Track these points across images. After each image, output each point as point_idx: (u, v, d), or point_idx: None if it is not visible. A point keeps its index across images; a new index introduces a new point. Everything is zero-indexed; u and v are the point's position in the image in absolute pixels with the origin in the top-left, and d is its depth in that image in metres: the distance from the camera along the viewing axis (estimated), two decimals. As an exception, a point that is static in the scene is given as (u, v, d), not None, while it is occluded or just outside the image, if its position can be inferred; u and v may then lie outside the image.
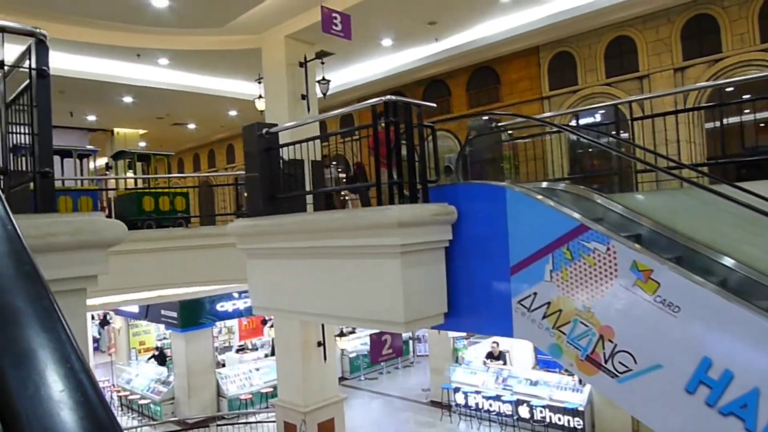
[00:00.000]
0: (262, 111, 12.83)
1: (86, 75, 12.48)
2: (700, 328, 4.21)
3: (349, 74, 15.31)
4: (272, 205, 6.79)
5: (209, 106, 16.75)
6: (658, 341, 4.41)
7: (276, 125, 6.96)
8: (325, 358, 11.10)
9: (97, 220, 3.15)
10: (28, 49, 3.36)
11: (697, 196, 5.71)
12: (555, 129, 7.03)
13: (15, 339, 0.70)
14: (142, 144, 21.06)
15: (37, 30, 3.31)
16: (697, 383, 4.12)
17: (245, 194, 14.33)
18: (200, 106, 16.73)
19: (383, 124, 5.45)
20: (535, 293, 5.21)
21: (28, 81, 3.40)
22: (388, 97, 5.46)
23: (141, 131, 20.06)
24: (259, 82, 13.16)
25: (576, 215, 4.94)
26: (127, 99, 15.41)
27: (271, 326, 15.35)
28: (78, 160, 11.46)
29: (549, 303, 5.12)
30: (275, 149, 6.82)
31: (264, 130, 6.77)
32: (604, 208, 6.05)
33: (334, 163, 9.60)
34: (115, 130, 19.39)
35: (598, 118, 13.89)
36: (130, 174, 12.30)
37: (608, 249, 4.70)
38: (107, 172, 17.64)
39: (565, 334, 5.01)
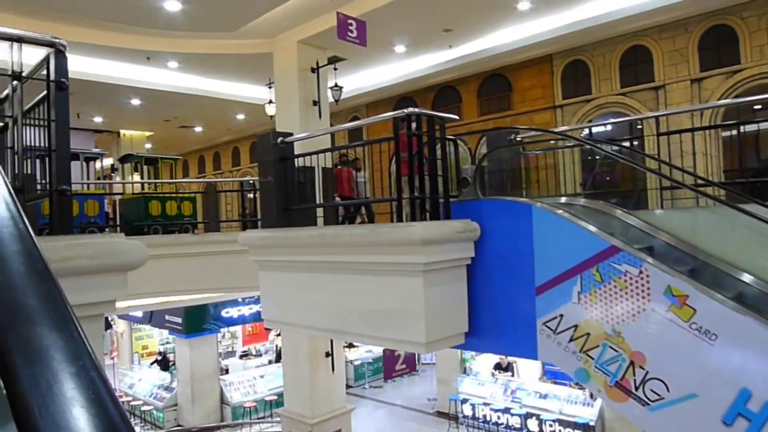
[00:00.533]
0: (272, 116, 12.68)
1: (95, 77, 12.34)
2: (739, 357, 4.03)
3: (358, 79, 15.15)
4: (286, 216, 6.63)
5: (217, 110, 16.61)
6: (693, 370, 4.23)
7: (291, 134, 6.80)
8: (333, 369, 10.92)
9: (118, 243, 2.98)
10: (47, 60, 3.20)
11: (723, 213, 5.55)
12: (576, 143, 6.87)
13: (27, 337, 0.70)
14: (148, 146, 20.93)
15: (57, 40, 3.15)
16: (735, 415, 3.94)
17: (250, 199, 14.22)
18: (208, 109, 16.59)
19: (405, 135, 5.29)
20: (561, 315, 5.04)
21: (44, 93, 3.25)
22: (411, 109, 5.31)
23: (147, 133, 19.92)
24: (270, 87, 13.02)
25: (607, 236, 4.76)
26: (135, 101, 15.27)
27: (278, 334, 15.16)
28: (85, 164, 11.31)
29: (576, 326, 4.94)
30: (290, 159, 6.65)
31: (279, 139, 6.60)
32: (627, 224, 5.88)
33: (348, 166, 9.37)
34: (122, 131, 19.26)
35: (608, 127, 13.75)
36: (136, 177, 12.17)
37: (641, 272, 4.52)
38: (113, 174, 17.50)
39: (593, 358, 4.83)
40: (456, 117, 5.76)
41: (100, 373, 0.68)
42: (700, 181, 6.49)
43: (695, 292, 4.20)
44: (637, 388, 4.52)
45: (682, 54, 11.89)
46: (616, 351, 4.67)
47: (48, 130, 3.09)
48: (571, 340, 4.97)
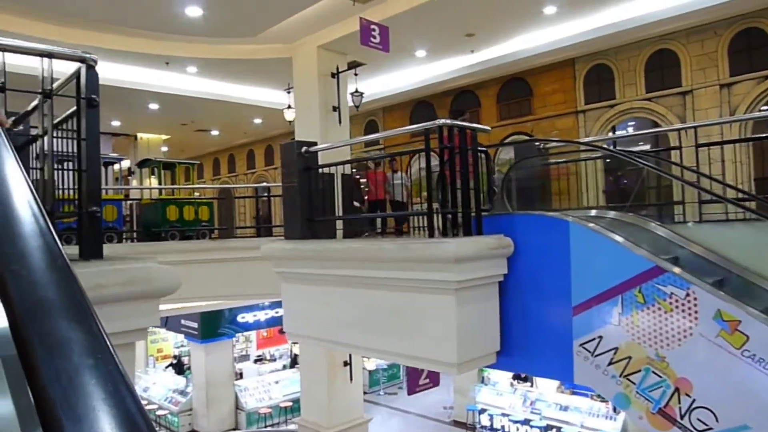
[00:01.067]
0: (290, 122, 12.55)
1: (114, 82, 12.27)
2: (797, 387, 3.81)
3: (376, 84, 14.99)
4: (310, 228, 6.48)
5: (234, 114, 16.53)
6: (746, 400, 4.01)
7: (315, 143, 6.64)
8: (351, 378, 10.75)
9: (151, 268, 2.83)
10: (77, 75, 3.07)
11: (763, 227, 5.31)
12: (607, 154, 6.65)
13: (48, 331, 0.70)
14: (164, 149, 20.91)
15: (88, 55, 3.01)
16: (791, 448, 3.73)
17: (264, 202, 14.10)
18: (225, 114, 16.51)
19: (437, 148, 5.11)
20: (600, 337, 4.83)
21: (73, 109, 3.11)
22: (443, 120, 5.12)
23: (164, 137, 19.91)
24: (288, 92, 12.89)
25: (651, 256, 4.55)
26: (153, 106, 15.22)
27: (295, 342, 15.03)
28: (103, 168, 11.26)
29: (616, 348, 4.73)
30: (314, 169, 6.49)
31: (303, 149, 6.44)
32: (663, 238, 5.66)
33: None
34: (139, 135, 19.25)
35: (630, 131, 13.47)
36: (154, 181, 12.10)
37: (688, 295, 4.30)
38: (129, 178, 17.48)
39: (634, 383, 4.63)
40: (488, 128, 5.57)
41: (119, 367, 0.68)
42: (741, 195, 6.24)
43: (748, 317, 3.98)
44: (682, 417, 4.31)
45: (711, 58, 11.60)
46: (660, 376, 4.47)
47: (78, 149, 2.95)
48: (610, 363, 4.77)
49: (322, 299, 6.12)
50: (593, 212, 7.11)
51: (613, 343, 4.74)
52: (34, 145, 3.94)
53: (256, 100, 15.39)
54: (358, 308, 5.70)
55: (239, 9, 9.56)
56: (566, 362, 5.04)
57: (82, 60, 2.97)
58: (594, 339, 4.86)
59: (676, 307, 4.36)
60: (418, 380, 9.21)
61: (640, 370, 4.58)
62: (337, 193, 6.83)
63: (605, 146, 6.89)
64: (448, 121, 5.10)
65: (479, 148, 5.43)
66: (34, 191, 1.02)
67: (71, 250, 2.79)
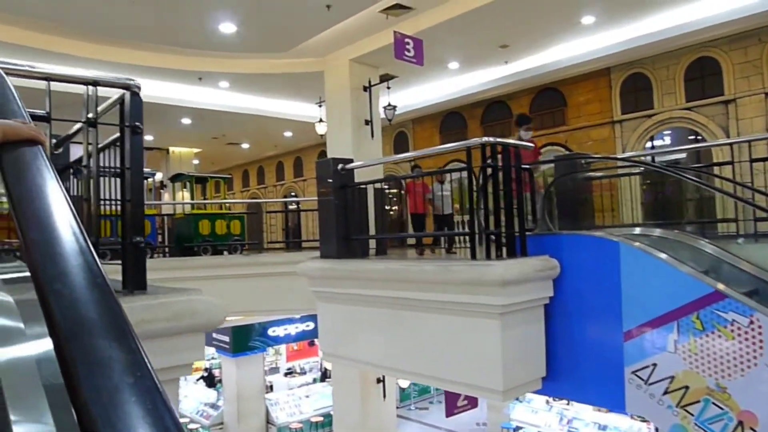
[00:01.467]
0: (322, 135, 12.52)
1: (149, 98, 12.23)
2: None
3: (407, 96, 14.89)
4: (347, 247, 6.36)
5: (265, 127, 16.62)
6: (818, 436, 3.74)
7: (351, 160, 6.54)
8: (384, 396, 10.59)
9: (197, 301, 2.74)
10: (120, 101, 3.01)
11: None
12: (656, 169, 6.39)
13: (90, 348, 0.71)
14: (195, 162, 21.16)
15: (132, 82, 2.95)
16: None
17: (293, 211, 14.08)
18: (256, 127, 16.62)
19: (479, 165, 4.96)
20: (654, 364, 4.59)
21: (116, 135, 3.06)
22: (486, 138, 4.96)
23: (195, 150, 20.15)
24: (320, 106, 12.88)
25: (710, 280, 4.31)
26: (186, 120, 15.40)
27: (330, 361, 14.91)
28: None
29: (672, 377, 4.48)
30: (351, 187, 6.39)
31: (339, 166, 6.34)
32: (715, 258, 5.38)
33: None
34: (171, 149, 19.51)
35: (667, 141, 13.07)
36: (186, 195, 12.16)
37: (751, 322, 4.05)
38: (161, 191, 17.70)
39: (692, 414, 4.37)
40: (531, 145, 5.39)
41: (157, 385, 0.69)
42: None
43: (820, 348, 3.72)
44: (747, 452, 4.04)
45: (755, 66, 11.19)
46: (721, 408, 4.21)
47: (121, 179, 2.88)
48: (665, 392, 4.52)
49: (360, 320, 5.99)
50: (637, 230, 6.86)
51: (669, 371, 4.49)
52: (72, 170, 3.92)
53: (287, 114, 15.45)
54: (398, 330, 5.55)
55: (273, 25, 9.59)
56: (617, 390, 4.81)
57: (126, 87, 2.91)
58: (648, 366, 4.63)
59: (739, 335, 4.11)
60: (456, 402, 8.99)
61: (698, 401, 4.33)
62: (369, 208, 6.72)
63: (659, 165, 6.58)
64: (491, 139, 4.94)
65: (523, 166, 5.25)
66: (74, 211, 1.02)
67: (108, 268, 2.71)
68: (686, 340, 4.39)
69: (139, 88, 3.00)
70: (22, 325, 1.40)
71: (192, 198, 11.59)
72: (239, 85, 13.23)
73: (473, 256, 4.98)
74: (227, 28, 9.61)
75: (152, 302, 2.65)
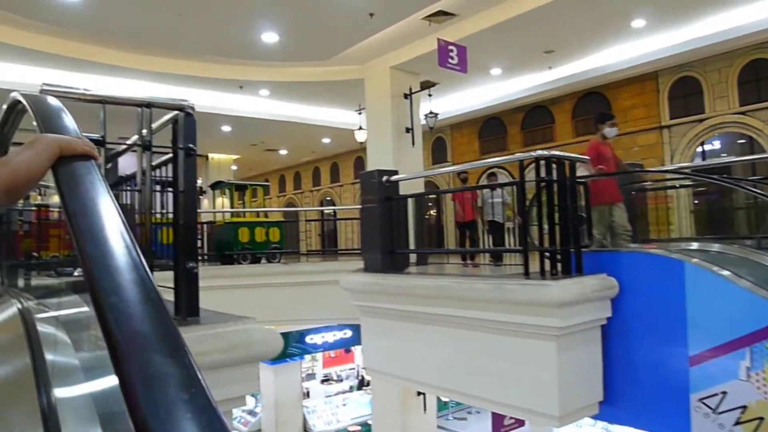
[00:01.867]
0: (362, 143, 12.44)
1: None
2: None
3: (447, 102, 14.66)
4: (391, 260, 6.23)
5: (303, 134, 16.65)
6: None
7: (396, 172, 6.40)
8: (425, 409, 10.39)
9: (253, 331, 2.64)
10: (173, 122, 2.94)
11: None
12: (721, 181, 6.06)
13: (145, 364, 0.73)
14: (234, 168, 21.38)
15: (185, 102, 2.88)
16: None
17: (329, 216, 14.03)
18: (294, 134, 16.66)
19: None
20: (724, 392, 4.30)
21: (169, 156, 2.99)
22: (540, 152, 4.76)
23: (234, 156, 20.36)
24: (360, 113, 12.81)
25: (788, 304, 4.00)
26: (226, 128, 15.55)
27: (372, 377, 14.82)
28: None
29: (745, 407, 4.18)
30: (395, 200, 6.25)
31: (384, 178, 6.21)
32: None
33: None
34: (210, 155, 19.75)
35: (716, 145, 12.54)
36: (226, 202, 12.23)
37: (836, 351, 3.73)
38: (201, 198, 17.91)
39: (767, 448, 4.07)
40: (586, 157, 5.16)
41: (210, 401, 0.69)
42: None
43: None
44: (831, 492, 3.73)
45: (816, 68, 10.62)
46: (802, 443, 3.90)
47: (174, 203, 2.80)
48: (737, 423, 4.23)
49: (405, 336, 5.84)
50: (694, 245, 6.54)
51: (741, 400, 4.20)
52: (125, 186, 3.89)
53: (326, 121, 15.44)
54: (446, 349, 5.38)
55: (314, 34, 9.56)
56: (682, 418, 4.53)
57: (180, 108, 2.85)
58: (717, 394, 4.34)
59: (821, 365, 3.80)
60: (502, 421, 8.74)
61: (775, 434, 4.03)
62: (409, 217, 6.56)
63: (735, 183, 6.19)
64: (545, 153, 4.73)
65: (578, 179, 5.02)
66: (126, 224, 1.04)
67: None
68: (760, 368, 4.09)
69: (193, 108, 2.93)
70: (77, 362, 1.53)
71: (231, 205, 11.64)
72: (279, 93, 13.27)
73: (526, 273, 4.77)
74: (270, 37, 9.63)
75: (207, 332, 2.56)
